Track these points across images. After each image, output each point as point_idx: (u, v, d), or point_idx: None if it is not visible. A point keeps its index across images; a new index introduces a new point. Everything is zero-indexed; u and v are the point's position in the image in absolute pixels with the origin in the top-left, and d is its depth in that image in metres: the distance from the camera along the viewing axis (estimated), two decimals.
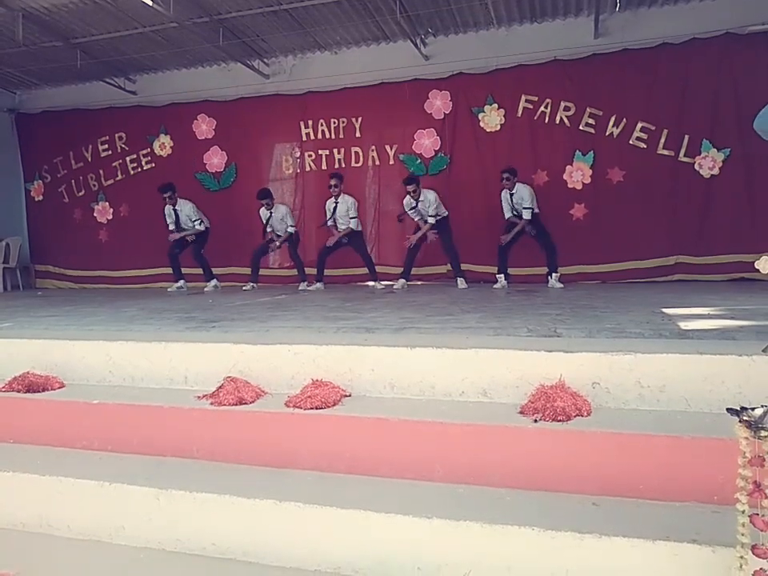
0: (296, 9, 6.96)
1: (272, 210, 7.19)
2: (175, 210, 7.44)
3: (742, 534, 1.41)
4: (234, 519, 1.95)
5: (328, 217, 7.06)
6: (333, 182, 7.00)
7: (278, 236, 7.25)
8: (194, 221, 7.43)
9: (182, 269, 7.59)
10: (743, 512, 1.40)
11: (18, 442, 2.59)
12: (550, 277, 6.45)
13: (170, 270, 8.04)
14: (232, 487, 2.02)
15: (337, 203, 6.97)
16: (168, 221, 7.51)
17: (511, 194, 6.52)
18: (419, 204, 6.66)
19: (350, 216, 6.96)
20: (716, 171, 6.71)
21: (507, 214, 6.63)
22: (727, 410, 1.47)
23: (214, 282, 7.48)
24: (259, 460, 2.22)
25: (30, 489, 2.21)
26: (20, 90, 9.54)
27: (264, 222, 7.24)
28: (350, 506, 1.85)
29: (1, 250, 8.64)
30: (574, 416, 2.03)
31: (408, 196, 6.72)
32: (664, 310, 3.73)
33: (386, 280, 7.24)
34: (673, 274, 6.80)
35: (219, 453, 2.29)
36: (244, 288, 7.26)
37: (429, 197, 6.65)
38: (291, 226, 7.25)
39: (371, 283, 7.19)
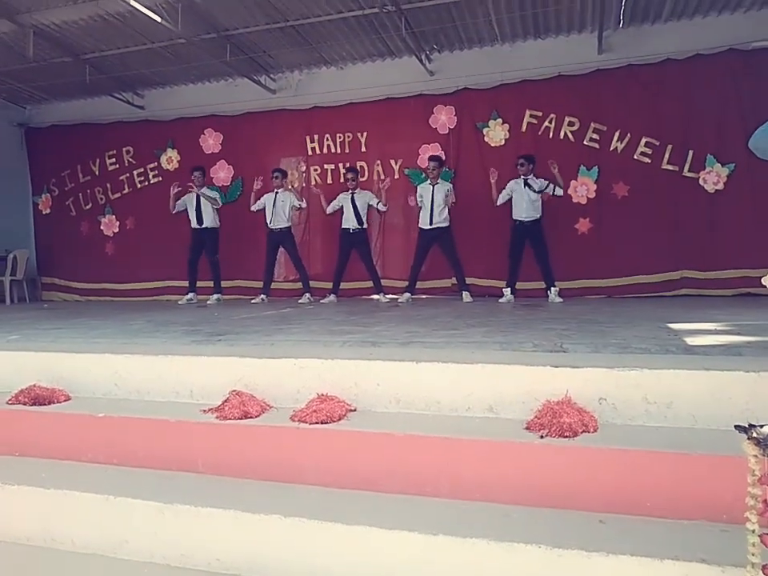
0: (302, 25, 7.05)
1: (277, 191, 7.24)
2: (198, 195, 7.46)
3: (752, 554, 1.39)
4: (238, 534, 1.94)
5: (336, 206, 7.19)
6: (350, 176, 7.15)
7: (277, 228, 7.25)
8: (213, 197, 7.54)
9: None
10: (753, 531, 1.39)
11: (23, 455, 2.59)
12: (549, 291, 6.44)
13: (176, 283, 8.11)
14: (237, 502, 2.01)
15: (353, 195, 7.05)
16: (189, 209, 7.53)
17: (526, 182, 6.45)
18: (435, 188, 6.68)
19: (370, 203, 7.14)
20: (720, 186, 6.71)
21: (501, 200, 6.56)
22: (735, 426, 1.47)
23: (217, 296, 7.50)
24: (264, 474, 2.22)
25: (34, 502, 2.21)
26: (30, 105, 9.66)
27: (267, 204, 7.28)
28: (354, 522, 1.85)
29: (8, 263, 8.70)
30: (581, 432, 2.02)
31: (423, 184, 6.84)
32: (670, 325, 3.72)
33: (390, 293, 7.25)
34: (678, 289, 6.79)
35: (224, 467, 2.29)
36: (253, 301, 7.26)
37: (446, 185, 6.79)
38: (298, 204, 7.30)
39: (376, 296, 7.19)
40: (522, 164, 6.50)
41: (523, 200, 6.46)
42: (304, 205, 7.42)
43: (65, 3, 6.54)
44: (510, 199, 6.58)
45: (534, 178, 6.53)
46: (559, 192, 6.52)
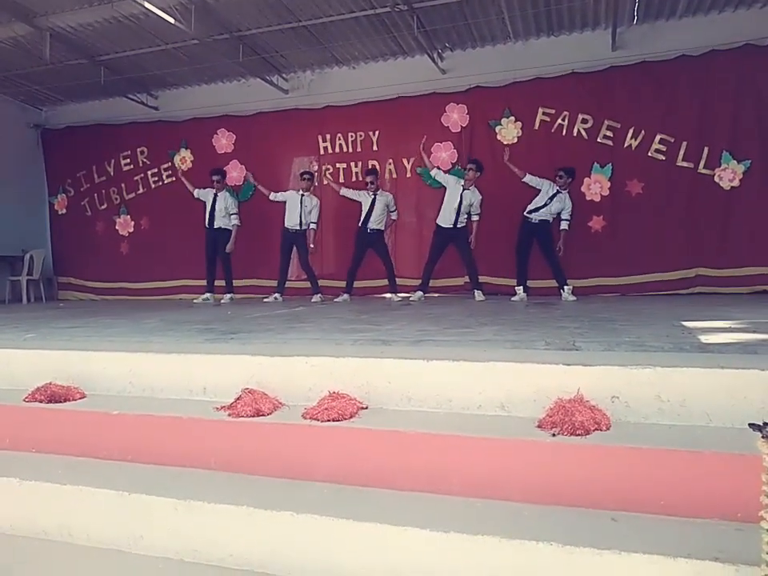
0: (314, 25, 7.08)
1: (304, 195, 7.22)
2: (215, 195, 7.47)
3: (767, 553, 1.38)
4: (251, 530, 1.95)
5: (352, 196, 7.22)
6: (369, 179, 7.10)
7: (293, 229, 7.24)
8: (231, 214, 7.49)
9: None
10: None
11: (40, 452, 2.63)
12: (562, 290, 6.41)
13: (190, 282, 8.18)
14: (249, 498, 2.03)
15: (376, 197, 7.03)
16: (205, 201, 7.57)
17: (556, 194, 6.41)
18: (464, 193, 6.60)
19: (391, 210, 7.18)
20: (736, 183, 6.64)
21: (527, 177, 6.49)
22: (749, 425, 1.45)
23: (230, 295, 7.55)
24: (276, 471, 2.23)
25: (51, 498, 2.24)
26: (46, 107, 9.79)
27: (290, 200, 7.27)
28: (366, 519, 1.85)
29: (25, 263, 8.83)
30: (593, 430, 2.00)
31: (458, 179, 6.76)
32: (684, 323, 3.69)
33: (402, 292, 7.25)
34: (693, 287, 6.73)
35: (237, 464, 2.30)
36: (265, 300, 7.29)
37: (477, 196, 6.67)
38: (314, 222, 7.29)
39: (388, 295, 7.19)
40: (561, 176, 6.43)
41: (544, 205, 6.44)
42: (315, 227, 7.40)
43: (80, 6, 6.63)
44: (533, 195, 6.56)
45: (568, 195, 6.47)
46: (564, 226, 6.50)
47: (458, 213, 6.62)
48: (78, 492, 2.21)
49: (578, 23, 7.10)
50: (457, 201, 6.61)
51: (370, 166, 7.77)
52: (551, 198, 6.41)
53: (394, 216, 7.32)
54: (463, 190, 6.64)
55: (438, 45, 7.56)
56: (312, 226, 7.30)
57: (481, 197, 6.72)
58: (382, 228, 7.17)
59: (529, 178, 6.54)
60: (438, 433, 2.13)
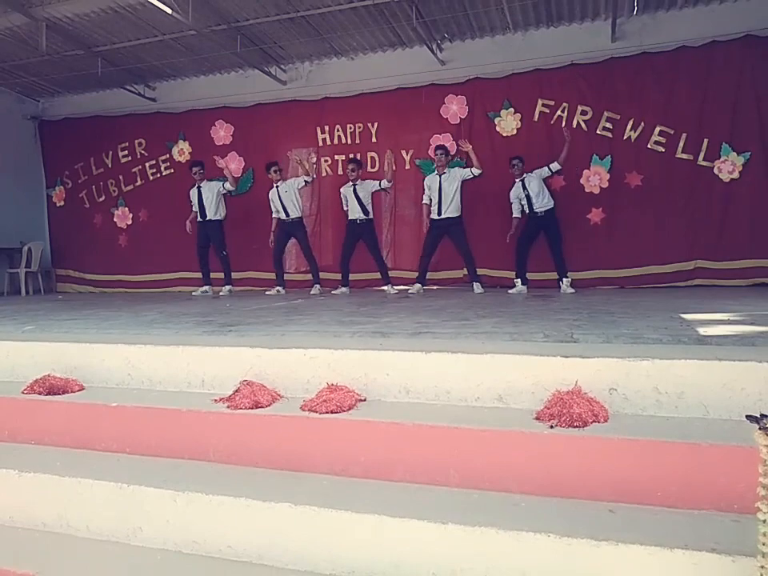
0: (313, 16, 7.02)
1: (278, 185, 7.18)
2: (199, 188, 7.44)
3: (763, 544, 1.38)
4: (249, 522, 1.96)
5: (344, 204, 7.17)
6: (351, 167, 7.08)
7: (288, 219, 7.18)
8: (223, 192, 7.46)
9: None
10: (764, 521, 1.38)
11: (39, 444, 2.63)
12: (561, 282, 6.42)
13: (188, 275, 8.16)
14: (248, 490, 2.03)
15: (355, 186, 6.99)
16: (192, 202, 7.53)
17: (523, 183, 6.50)
18: (442, 178, 6.61)
19: (374, 190, 7.08)
20: (736, 175, 6.62)
21: (516, 212, 6.62)
22: (747, 417, 1.45)
23: (228, 287, 7.53)
24: (275, 463, 2.23)
25: (50, 489, 2.25)
26: (43, 98, 9.73)
27: (273, 200, 7.24)
28: (364, 511, 1.86)
29: (23, 255, 8.80)
30: (591, 422, 2.01)
31: (430, 175, 6.79)
32: (683, 315, 3.69)
33: (401, 284, 7.24)
34: (692, 279, 6.72)
35: (235, 456, 2.31)
36: (268, 293, 7.27)
37: (457, 172, 6.67)
38: (305, 180, 7.15)
39: (385, 288, 7.18)
40: (515, 165, 6.56)
41: (528, 195, 6.49)
42: (309, 179, 7.26)
43: None
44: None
45: (530, 174, 6.53)
46: (555, 167, 6.51)
47: (441, 200, 6.60)
48: (76, 484, 2.22)
49: (577, 14, 7.05)
50: (437, 189, 6.62)
51: (361, 158, 7.72)
52: (525, 189, 6.50)
53: (383, 185, 7.07)
54: (439, 177, 6.65)
55: (437, 36, 7.51)
56: (307, 181, 7.18)
57: (459, 168, 6.74)
58: (371, 217, 7.13)
59: (514, 210, 6.64)
60: (437, 425, 2.13)
